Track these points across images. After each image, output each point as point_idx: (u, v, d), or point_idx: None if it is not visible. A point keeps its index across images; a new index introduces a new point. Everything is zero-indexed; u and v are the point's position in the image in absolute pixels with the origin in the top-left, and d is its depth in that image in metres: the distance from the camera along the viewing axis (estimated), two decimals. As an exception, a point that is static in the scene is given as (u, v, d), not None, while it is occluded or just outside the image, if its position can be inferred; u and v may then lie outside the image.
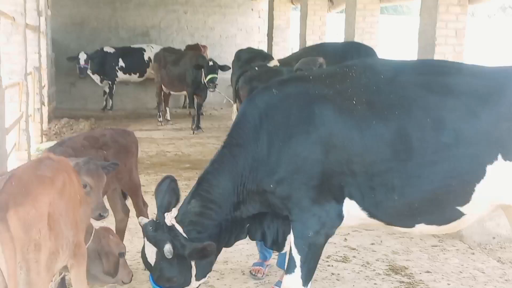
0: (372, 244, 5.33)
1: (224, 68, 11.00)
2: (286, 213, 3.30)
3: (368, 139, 3.09)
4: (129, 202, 4.76)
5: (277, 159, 3.19)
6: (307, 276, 3.21)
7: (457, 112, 3.07)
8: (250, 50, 11.41)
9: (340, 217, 3.21)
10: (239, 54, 11.16)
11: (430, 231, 3.46)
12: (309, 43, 11.21)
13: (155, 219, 3.36)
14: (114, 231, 3.93)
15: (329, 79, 3.30)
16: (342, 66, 3.48)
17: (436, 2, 7.29)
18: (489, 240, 5.27)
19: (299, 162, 3.14)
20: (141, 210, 4.76)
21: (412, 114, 3.09)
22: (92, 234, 3.45)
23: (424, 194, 3.11)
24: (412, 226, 3.28)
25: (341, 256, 5.00)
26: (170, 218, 3.29)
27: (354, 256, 5.03)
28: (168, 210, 3.33)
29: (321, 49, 8.57)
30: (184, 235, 3.25)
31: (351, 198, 3.18)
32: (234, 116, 7.09)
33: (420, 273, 4.67)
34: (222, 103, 14.08)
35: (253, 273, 4.54)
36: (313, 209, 3.16)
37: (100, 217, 3.55)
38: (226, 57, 13.46)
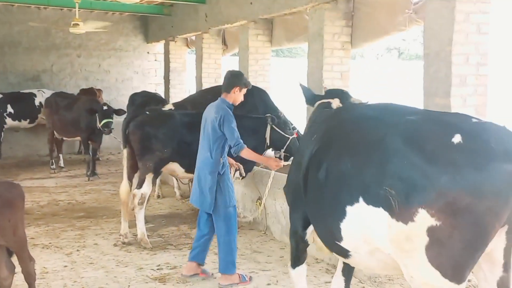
0: (268, 284, 5.39)
1: (119, 112, 10.79)
2: None
3: (306, 178, 3.62)
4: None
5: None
6: (295, 262, 4.14)
7: (333, 156, 3.33)
8: (144, 93, 11.39)
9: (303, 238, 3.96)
10: (133, 97, 11.10)
11: (349, 262, 3.53)
12: (206, 85, 11.34)
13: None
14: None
15: (321, 124, 3.89)
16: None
17: (321, 46, 7.66)
18: (379, 274, 5.47)
19: (290, 176, 4.13)
20: (27, 266, 4.53)
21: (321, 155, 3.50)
22: None
23: (317, 228, 3.65)
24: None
25: (237, 299, 5.00)
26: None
27: (250, 298, 5.05)
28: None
29: (216, 91, 8.70)
30: None
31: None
32: (125, 162, 6.93)
33: (314, 311, 4.77)
34: (119, 148, 13.79)
35: None
36: (291, 214, 4.05)
37: None
38: (123, 101, 13.28)
